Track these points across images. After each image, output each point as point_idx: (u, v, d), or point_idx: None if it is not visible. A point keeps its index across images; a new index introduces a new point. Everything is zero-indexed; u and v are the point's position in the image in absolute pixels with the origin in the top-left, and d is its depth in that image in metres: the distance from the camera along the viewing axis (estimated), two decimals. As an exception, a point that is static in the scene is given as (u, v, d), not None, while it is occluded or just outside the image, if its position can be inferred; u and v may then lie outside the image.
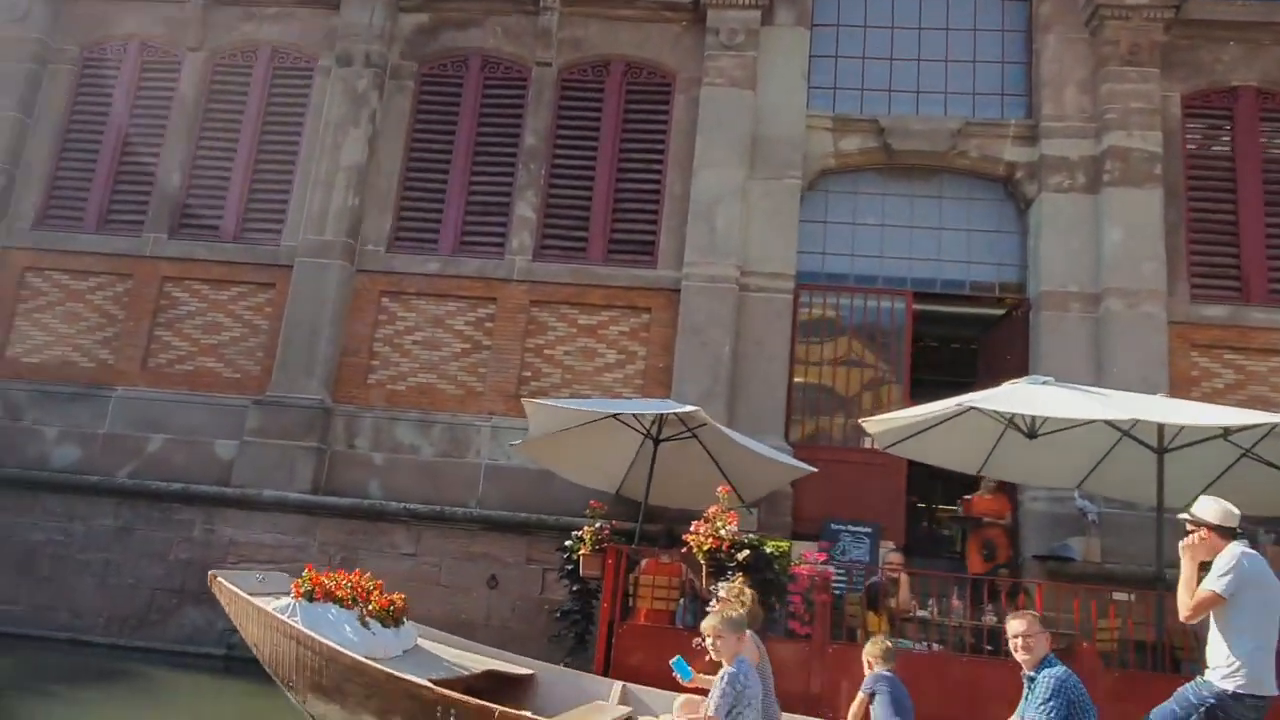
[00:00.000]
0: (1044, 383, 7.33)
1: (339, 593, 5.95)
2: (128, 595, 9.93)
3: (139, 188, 11.78)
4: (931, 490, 15.86)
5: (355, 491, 10.45)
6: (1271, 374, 10.31)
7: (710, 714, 4.68)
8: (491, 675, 6.46)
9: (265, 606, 5.61)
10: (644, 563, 7.71)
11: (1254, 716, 4.68)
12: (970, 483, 10.17)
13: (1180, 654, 7.43)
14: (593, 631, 7.84)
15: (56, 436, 10.90)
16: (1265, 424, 6.96)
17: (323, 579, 5.94)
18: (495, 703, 5.17)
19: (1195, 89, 11.09)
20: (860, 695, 5.58)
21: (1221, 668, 4.69)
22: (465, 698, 5.02)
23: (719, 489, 7.47)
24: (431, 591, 9.79)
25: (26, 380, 11.19)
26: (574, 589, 8.10)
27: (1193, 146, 11.02)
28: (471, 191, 11.48)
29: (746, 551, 6.82)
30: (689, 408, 8.09)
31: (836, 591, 8.03)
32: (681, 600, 7.36)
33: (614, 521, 8.49)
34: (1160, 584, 7.47)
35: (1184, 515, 4.97)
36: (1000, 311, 11.43)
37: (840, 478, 10.40)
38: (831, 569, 7.40)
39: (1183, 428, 7.24)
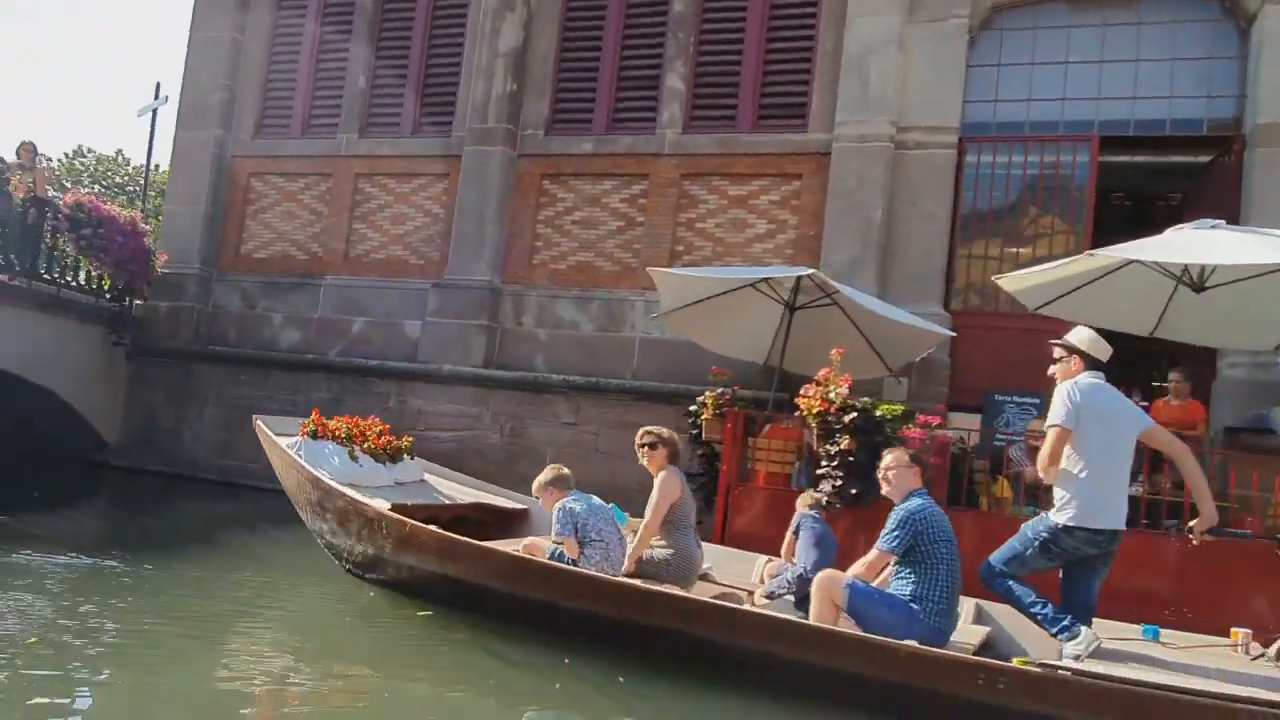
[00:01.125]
0: (1213, 227, 6.42)
1: (337, 432, 6.79)
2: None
3: (332, 93, 12.87)
4: (1154, 361, 14.33)
5: (523, 365, 11.23)
6: None
7: (553, 538, 5.53)
8: (482, 507, 7.14)
9: (281, 443, 6.55)
10: (767, 427, 7.80)
11: (1090, 550, 4.53)
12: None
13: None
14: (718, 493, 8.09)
15: (281, 321, 12.53)
16: None
17: (327, 421, 6.83)
18: (483, 533, 5.94)
19: None
20: (788, 534, 6.03)
21: (1058, 501, 4.58)
22: (390, 514, 5.72)
23: (833, 352, 7.32)
24: (590, 457, 10.44)
25: (257, 273, 12.87)
26: (699, 453, 8.35)
27: None
28: (622, 67, 11.50)
29: (854, 414, 6.72)
30: (804, 270, 7.91)
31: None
32: (797, 463, 7.41)
33: (737, 388, 8.55)
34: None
35: (1054, 341, 4.90)
36: (1208, 158, 9.95)
37: (1006, 346, 9.73)
38: (950, 434, 7.11)
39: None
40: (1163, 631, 5.09)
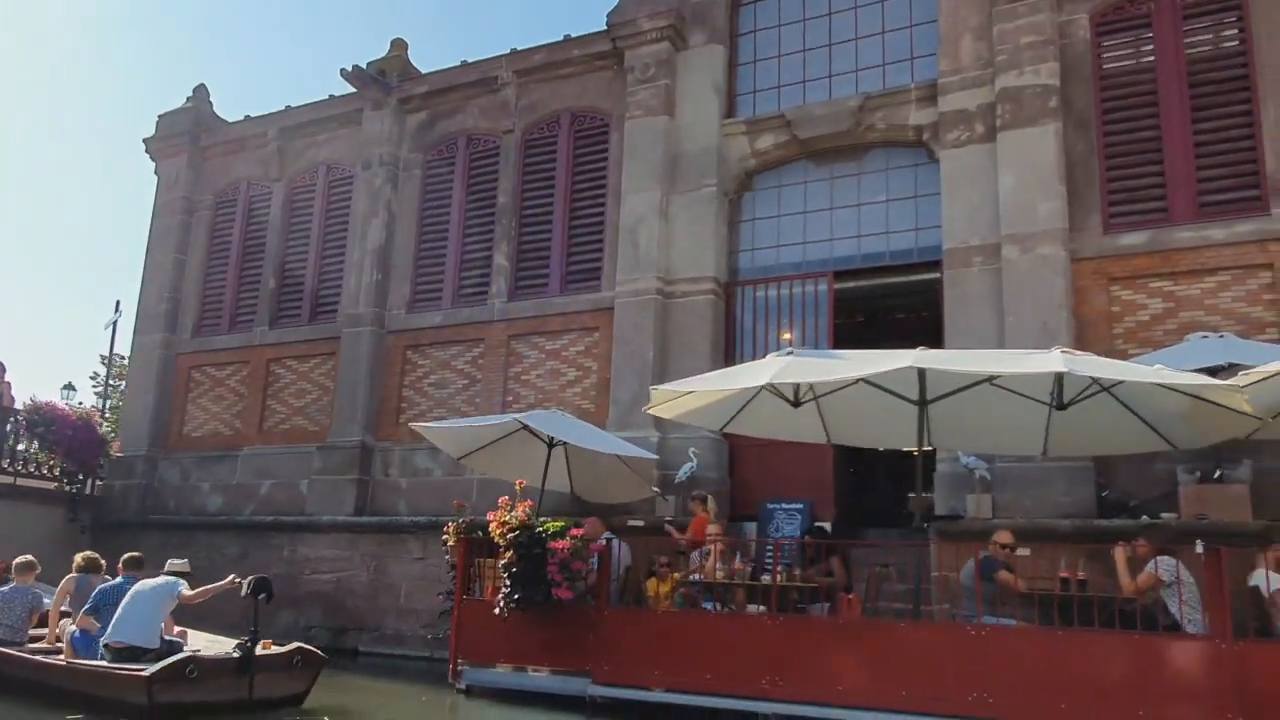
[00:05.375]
0: (788, 353, 7.81)
1: None
2: (245, 603, 13.03)
3: (251, 292, 15.46)
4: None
5: (390, 510, 12.99)
6: (1205, 296, 9.43)
7: None
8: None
9: None
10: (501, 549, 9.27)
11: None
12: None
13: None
14: (468, 607, 9.50)
15: (208, 489, 14.69)
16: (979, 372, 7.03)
17: None
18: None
19: (1105, 3, 10.41)
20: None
21: None
22: None
23: (516, 482, 8.88)
24: (435, 586, 11.95)
25: (193, 450, 15.17)
26: (449, 573, 9.81)
27: (1109, 66, 10.31)
28: (464, 251, 13.70)
29: (516, 532, 8.20)
30: (511, 416, 9.56)
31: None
32: (509, 578, 8.82)
33: (473, 518, 9.92)
34: (920, 534, 7.64)
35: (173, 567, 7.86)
36: (933, 278, 11.33)
37: (774, 459, 11.09)
38: (604, 541, 8.45)
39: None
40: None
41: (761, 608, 8.36)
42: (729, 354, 11.75)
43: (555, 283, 12.83)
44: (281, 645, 7.86)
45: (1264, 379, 6.61)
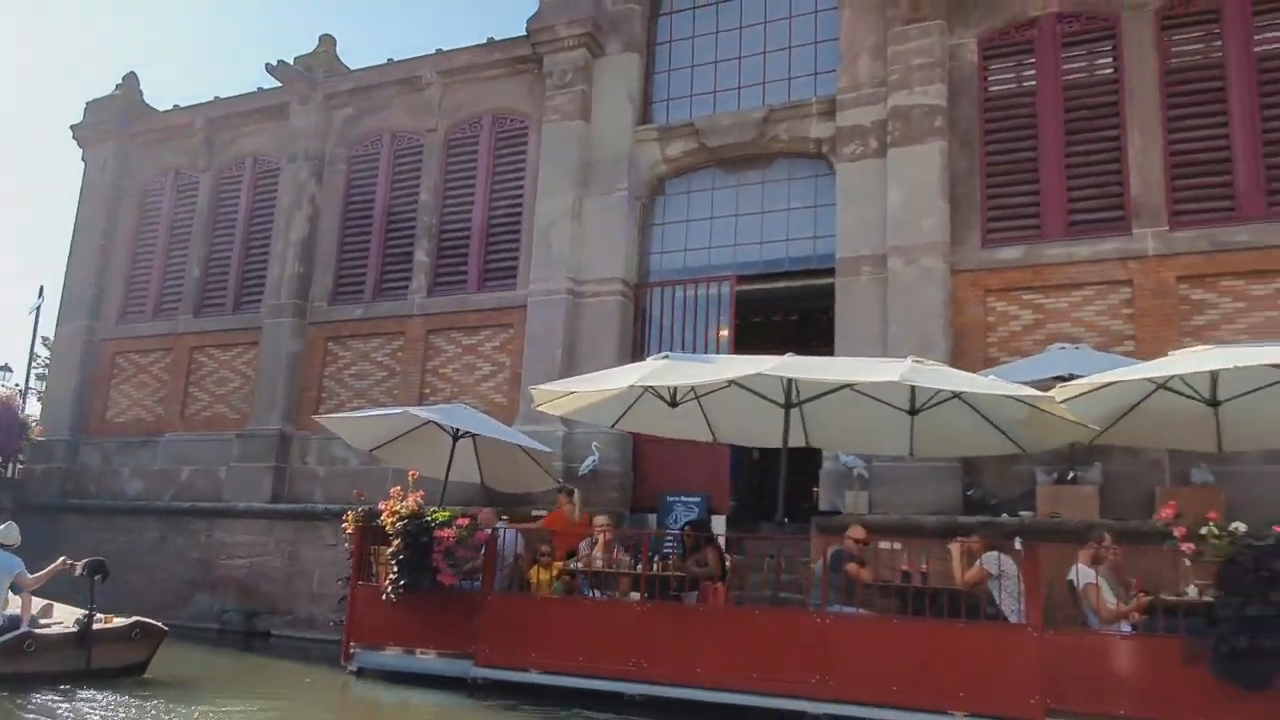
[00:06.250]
0: (664, 358, 8.26)
1: None
2: (162, 586, 13.36)
3: (176, 281, 15.58)
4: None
5: (306, 498, 13.25)
6: (1072, 309, 10.05)
7: None
8: None
9: None
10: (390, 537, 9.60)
11: None
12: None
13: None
14: (363, 592, 9.85)
15: (128, 474, 14.83)
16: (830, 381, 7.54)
17: None
18: None
19: (992, 29, 10.96)
20: None
21: None
22: None
23: (410, 473, 9.25)
24: (345, 573, 12.25)
25: (115, 435, 15.28)
26: (348, 560, 10.14)
27: (993, 88, 10.89)
28: (386, 246, 13.97)
29: (405, 521, 8.57)
30: (398, 410, 9.94)
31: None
32: (403, 565, 9.18)
33: (368, 507, 10.25)
34: (776, 527, 8.16)
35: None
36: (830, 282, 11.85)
37: (674, 455, 11.55)
38: (489, 531, 8.84)
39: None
40: None
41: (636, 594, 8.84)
42: (639, 353, 12.14)
43: (473, 280, 13.17)
44: (126, 619, 8.46)
45: (1084, 392, 7.18)
